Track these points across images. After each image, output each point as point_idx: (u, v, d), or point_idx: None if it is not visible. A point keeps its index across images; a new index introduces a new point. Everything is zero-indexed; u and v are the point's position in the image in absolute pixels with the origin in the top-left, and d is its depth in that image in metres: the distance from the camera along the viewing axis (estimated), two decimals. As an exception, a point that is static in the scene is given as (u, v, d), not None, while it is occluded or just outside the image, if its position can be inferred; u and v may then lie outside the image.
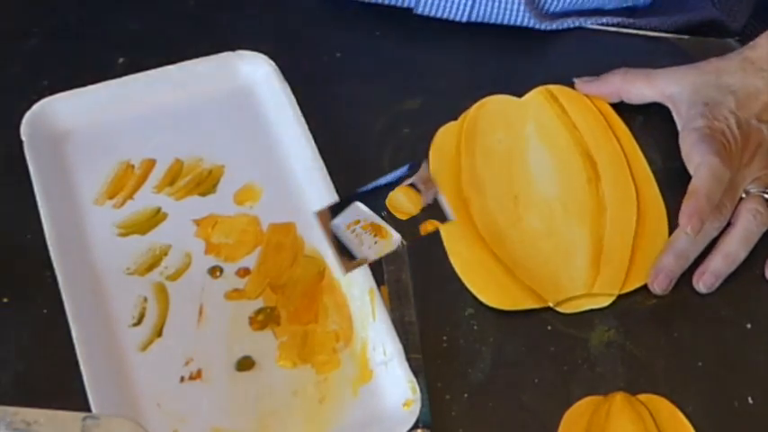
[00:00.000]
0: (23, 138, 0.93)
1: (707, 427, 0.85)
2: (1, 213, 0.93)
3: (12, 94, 0.98)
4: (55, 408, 0.66)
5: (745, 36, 1.12)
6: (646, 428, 0.84)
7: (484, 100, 1.03)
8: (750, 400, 0.87)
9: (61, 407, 0.67)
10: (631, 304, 0.92)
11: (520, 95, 1.04)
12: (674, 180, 0.97)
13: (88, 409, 0.78)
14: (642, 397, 0.86)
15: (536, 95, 1.04)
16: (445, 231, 0.94)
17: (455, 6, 1.08)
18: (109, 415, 0.69)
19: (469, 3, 1.08)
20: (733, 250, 0.93)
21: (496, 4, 1.08)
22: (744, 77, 0.98)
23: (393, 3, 1.09)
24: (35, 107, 0.95)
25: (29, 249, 0.89)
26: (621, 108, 1.03)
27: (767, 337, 0.91)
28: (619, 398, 0.86)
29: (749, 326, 0.92)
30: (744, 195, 0.95)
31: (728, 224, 0.94)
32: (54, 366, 0.84)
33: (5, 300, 0.88)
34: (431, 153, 0.99)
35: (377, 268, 0.88)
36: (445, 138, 1.01)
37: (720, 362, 0.89)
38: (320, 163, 0.93)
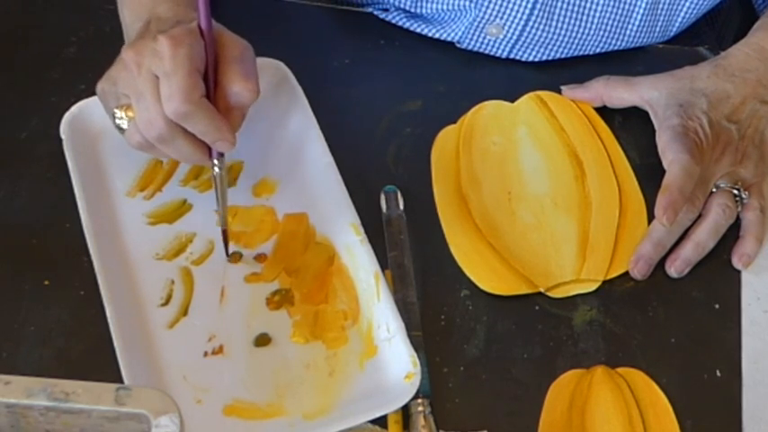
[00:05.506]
0: (63, 136, 0.93)
1: (679, 398, 0.85)
2: (42, 204, 0.93)
3: (53, 97, 0.98)
4: (91, 380, 0.67)
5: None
6: (624, 398, 0.84)
7: (480, 105, 1.03)
8: (718, 373, 0.88)
9: (96, 379, 0.67)
10: (611, 287, 0.92)
11: (512, 101, 1.04)
12: (650, 175, 0.96)
13: (121, 381, 0.79)
14: (621, 370, 0.87)
15: (527, 101, 1.04)
16: (446, 225, 0.94)
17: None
18: (139, 386, 0.70)
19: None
20: (703, 240, 0.93)
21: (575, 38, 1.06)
22: (716, 82, 0.98)
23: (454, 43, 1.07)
24: (73, 109, 0.95)
25: (67, 237, 0.90)
26: (603, 111, 1.03)
27: (733, 316, 0.91)
28: (600, 371, 0.86)
29: (717, 306, 0.92)
30: (714, 190, 0.95)
31: (700, 215, 0.94)
32: (90, 343, 0.84)
33: (46, 282, 0.88)
34: (432, 154, 0.99)
35: (381, 254, 0.89)
36: (445, 140, 1.00)
37: (691, 338, 0.90)
38: (330, 158, 0.93)
